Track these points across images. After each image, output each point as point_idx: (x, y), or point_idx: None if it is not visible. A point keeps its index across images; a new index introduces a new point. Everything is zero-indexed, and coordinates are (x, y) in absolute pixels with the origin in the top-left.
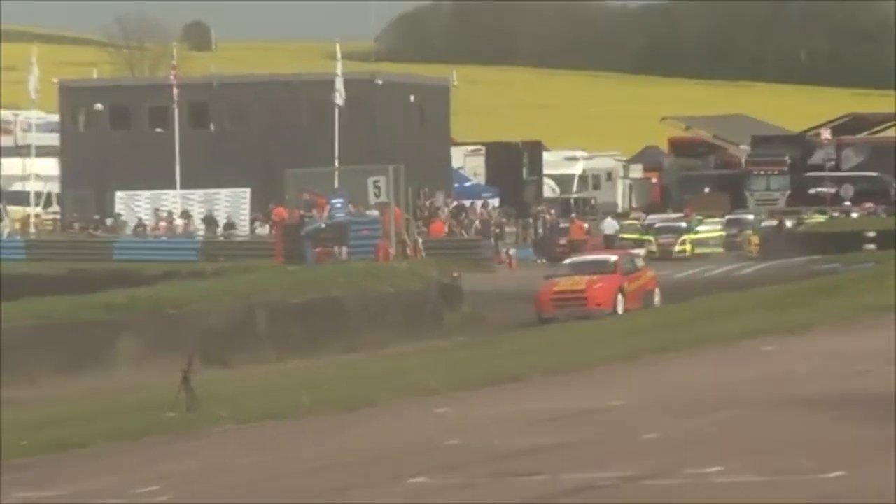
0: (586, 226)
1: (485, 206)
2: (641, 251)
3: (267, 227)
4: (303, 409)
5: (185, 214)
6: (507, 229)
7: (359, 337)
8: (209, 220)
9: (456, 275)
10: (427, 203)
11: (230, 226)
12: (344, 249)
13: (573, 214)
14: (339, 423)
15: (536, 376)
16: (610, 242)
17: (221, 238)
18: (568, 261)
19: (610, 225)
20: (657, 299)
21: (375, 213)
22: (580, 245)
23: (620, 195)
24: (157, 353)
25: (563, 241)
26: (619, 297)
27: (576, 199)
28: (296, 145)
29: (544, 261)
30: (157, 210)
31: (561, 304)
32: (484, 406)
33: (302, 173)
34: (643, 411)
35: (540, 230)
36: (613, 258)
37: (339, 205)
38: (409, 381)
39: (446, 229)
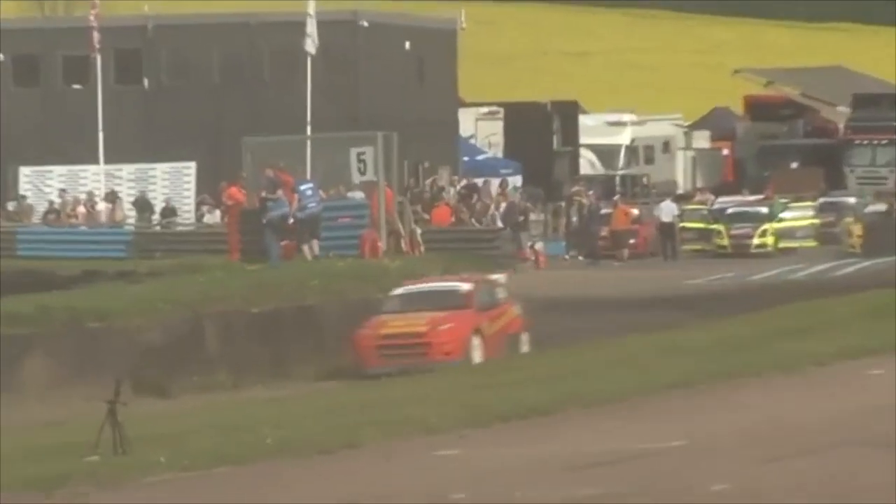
0: (635, 211)
1: (503, 185)
2: (502, 277)
3: (218, 213)
4: (265, 451)
5: (111, 196)
6: (532, 216)
7: (338, 357)
8: (142, 205)
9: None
10: (428, 182)
11: (170, 211)
12: (315, 243)
13: (617, 197)
14: (312, 469)
15: (570, 409)
16: (667, 232)
17: (158, 227)
18: (399, 290)
19: (667, 210)
20: (525, 347)
21: (360, 195)
22: (625, 237)
23: (681, 171)
24: (75, 379)
25: (604, 231)
26: (475, 341)
27: (622, 177)
28: (255, 106)
29: (581, 257)
30: (61, 192)
31: (391, 352)
32: (501, 448)
33: (263, 143)
34: (710, 454)
35: (574, 218)
36: (466, 287)
37: (308, 192)
38: (403, 415)
39: (452, 216)
